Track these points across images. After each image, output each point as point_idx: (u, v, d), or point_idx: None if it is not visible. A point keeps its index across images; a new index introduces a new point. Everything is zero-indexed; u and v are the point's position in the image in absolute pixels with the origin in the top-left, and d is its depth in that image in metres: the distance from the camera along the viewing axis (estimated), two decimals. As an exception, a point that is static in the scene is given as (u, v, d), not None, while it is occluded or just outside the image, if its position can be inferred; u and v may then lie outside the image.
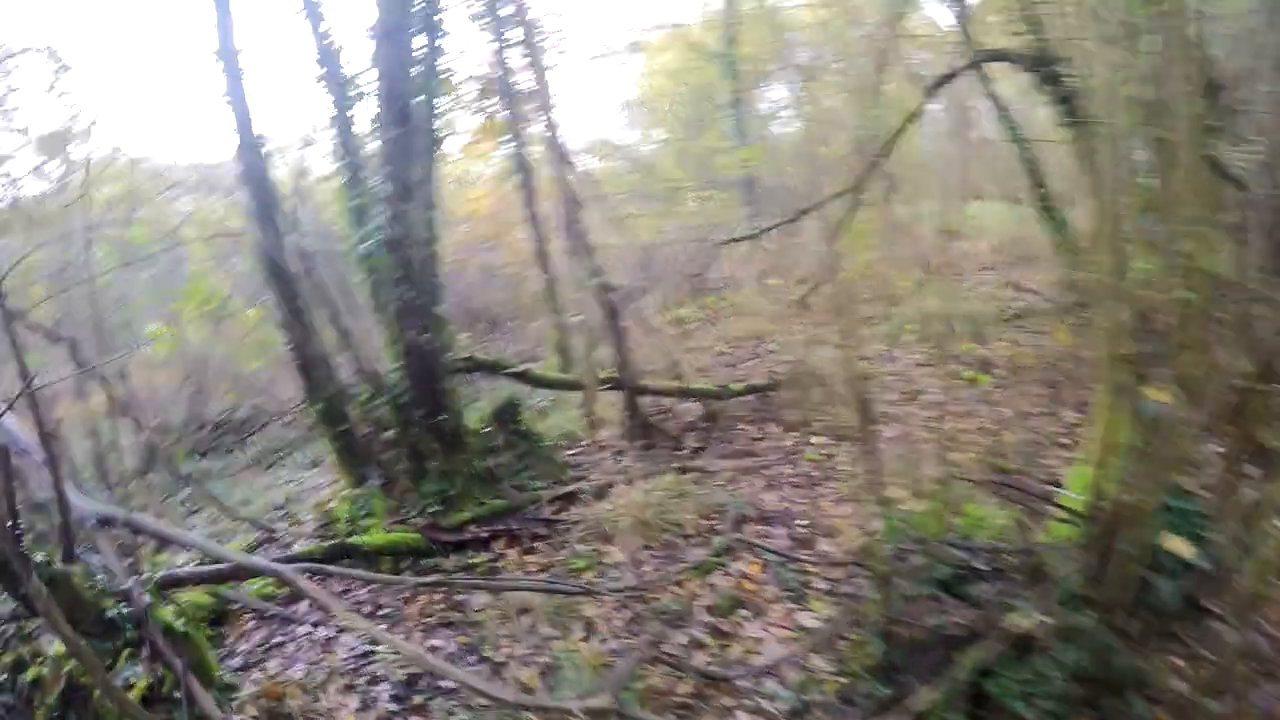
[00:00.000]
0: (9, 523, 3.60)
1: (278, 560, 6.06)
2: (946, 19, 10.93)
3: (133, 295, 12.87)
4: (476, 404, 7.51)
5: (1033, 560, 3.83)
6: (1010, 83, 11.07)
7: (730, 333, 10.96)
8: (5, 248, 12.24)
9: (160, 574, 5.26)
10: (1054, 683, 3.34)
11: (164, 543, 6.84)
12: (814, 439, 7.53)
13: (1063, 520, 4.15)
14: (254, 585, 6.18)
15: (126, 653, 4.34)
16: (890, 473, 4.89)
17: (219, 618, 5.89)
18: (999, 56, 9.85)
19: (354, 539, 6.34)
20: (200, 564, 6.10)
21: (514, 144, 10.78)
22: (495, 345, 13.01)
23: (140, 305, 13.02)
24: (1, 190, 11.37)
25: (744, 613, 5.04)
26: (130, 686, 4.16)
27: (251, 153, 7.07)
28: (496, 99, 10.68)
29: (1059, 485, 5.28)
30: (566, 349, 10.56)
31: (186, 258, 11.84)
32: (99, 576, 4.69)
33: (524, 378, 7.42)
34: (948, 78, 10.31)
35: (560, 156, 7.25)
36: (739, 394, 8.15)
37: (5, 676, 4.40)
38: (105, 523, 4.37)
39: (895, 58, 12.64)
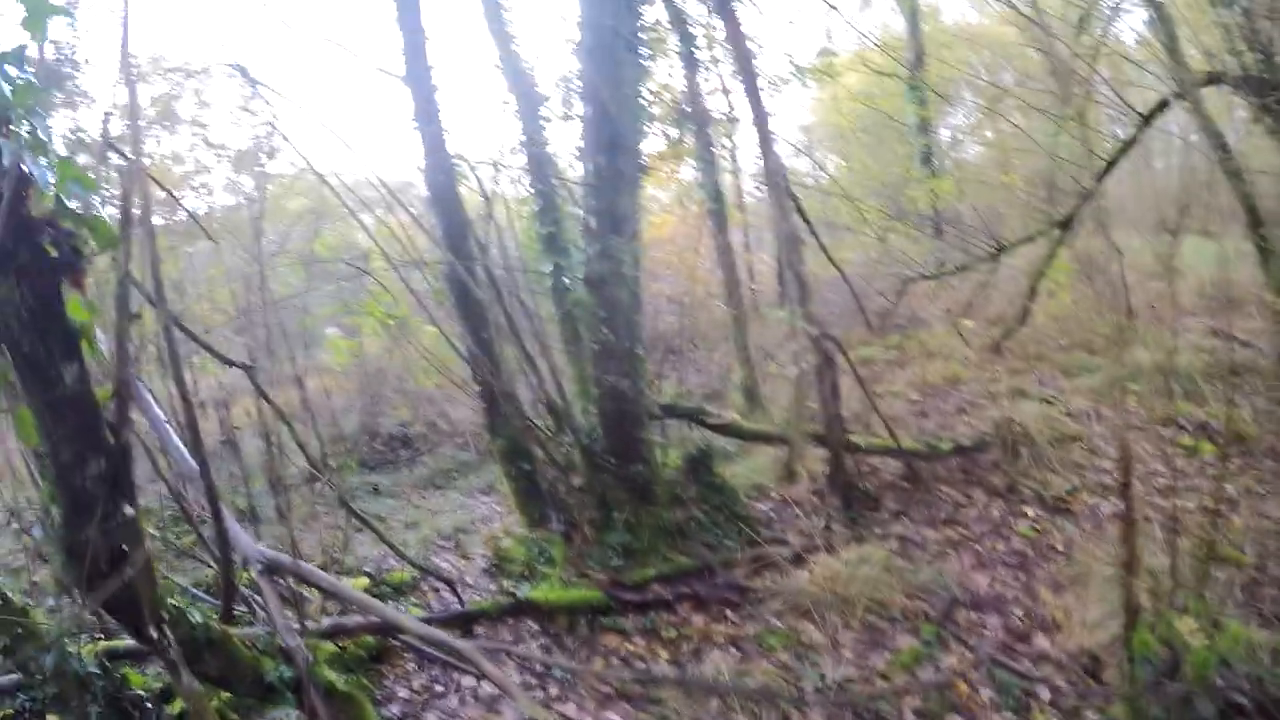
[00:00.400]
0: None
1: (447, 615, 6.06)
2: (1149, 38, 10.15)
3: (315, 309, 13.38)
4: (662, 445, 7.31)
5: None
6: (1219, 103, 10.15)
7: (920, 377, 10.44)
8: (197, 254, 13.12)
9: (326, 624, 5.16)
10: None
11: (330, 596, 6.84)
12: (1025, 509, 7.05)
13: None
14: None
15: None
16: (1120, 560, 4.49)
17: (378, 654, 5.69)
18: (1218, 79, 9.05)
19: (532, 593, 6.14)
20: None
21: (703, 169, 10.62)
22: (674, 376, 12.91)
23: (322, 316, 13.57)
24: (198, 200, 12.14)
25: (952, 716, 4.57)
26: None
27: (441, 174, 7.00)
28: (683, 120, 10.60)
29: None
30: (754, 389, 10.33)
31: (370, 275, 12.21)
32: (258, 630, 4.54)
33: (727, 431, 7.18)
34: (1164, 105, 9.54)
35: (778, 186, 6.87)
36: (946, 454, 7.67)
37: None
38: (272, 570, 4.25)
39: (1095, 80, 11.91)
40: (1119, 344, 10.50)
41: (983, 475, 7.59)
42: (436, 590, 6.86)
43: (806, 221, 10.11)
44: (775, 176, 6.80)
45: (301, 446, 6.11)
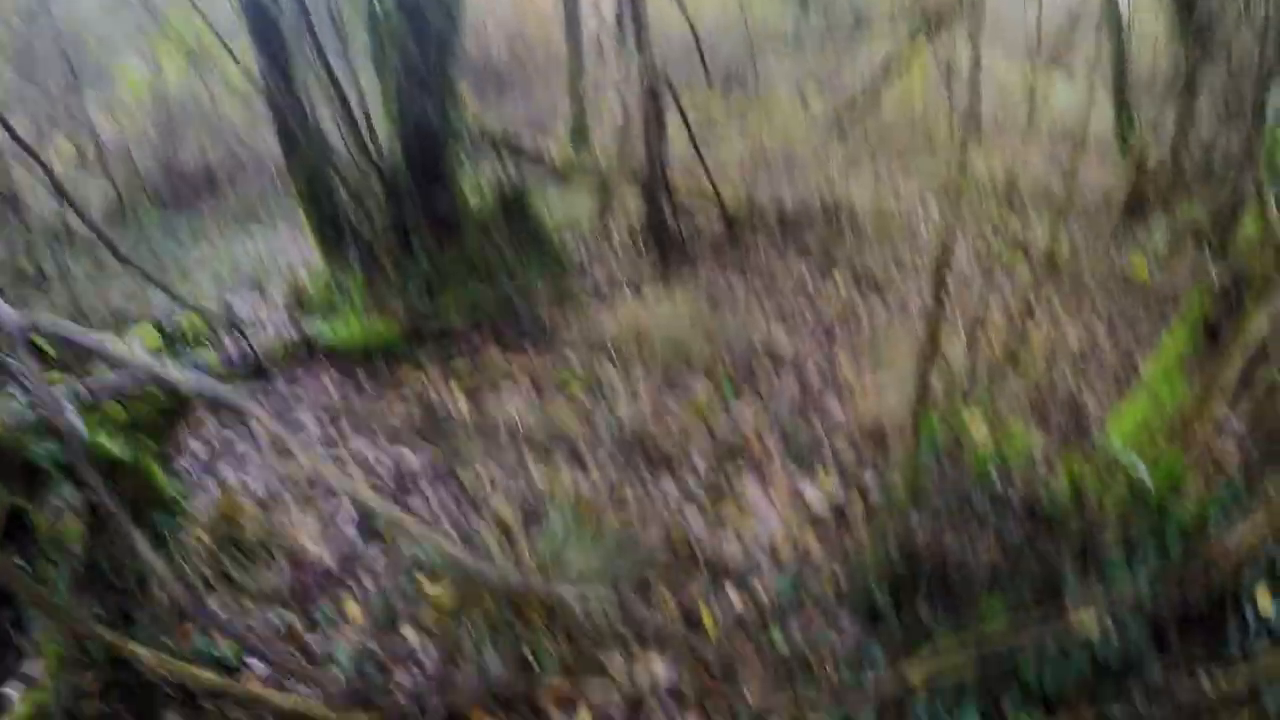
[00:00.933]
0: None
1: (239, 363, 5.60)
2: None
3: (112, 38, 11.63)
4: (473, 178, 6.70)
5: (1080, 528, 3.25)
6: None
7: (757, 143, 10.04)
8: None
9: (99, 387, 4.10)
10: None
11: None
12: (838, 280, 6.96)
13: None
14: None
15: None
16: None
17: (172, 411, 4.88)
18: None
19: (327, 333, 5.74)
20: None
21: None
22: (504, 112, 11.98)
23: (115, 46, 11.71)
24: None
25: (741, 467, 4.54)
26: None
27: None
28: None
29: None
30: (582, 128, 9.65)
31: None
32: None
33: (542, 163, 6.57)
34: None
35: None
36: (767, 215, 7.43)
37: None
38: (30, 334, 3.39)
39: None
40: (962, 149, 10.46)
41: (803, 242, 7.46)
42: (233, 335, 6.26)
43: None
44: None
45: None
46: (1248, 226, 4.32)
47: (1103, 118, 10.14)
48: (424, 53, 5.57)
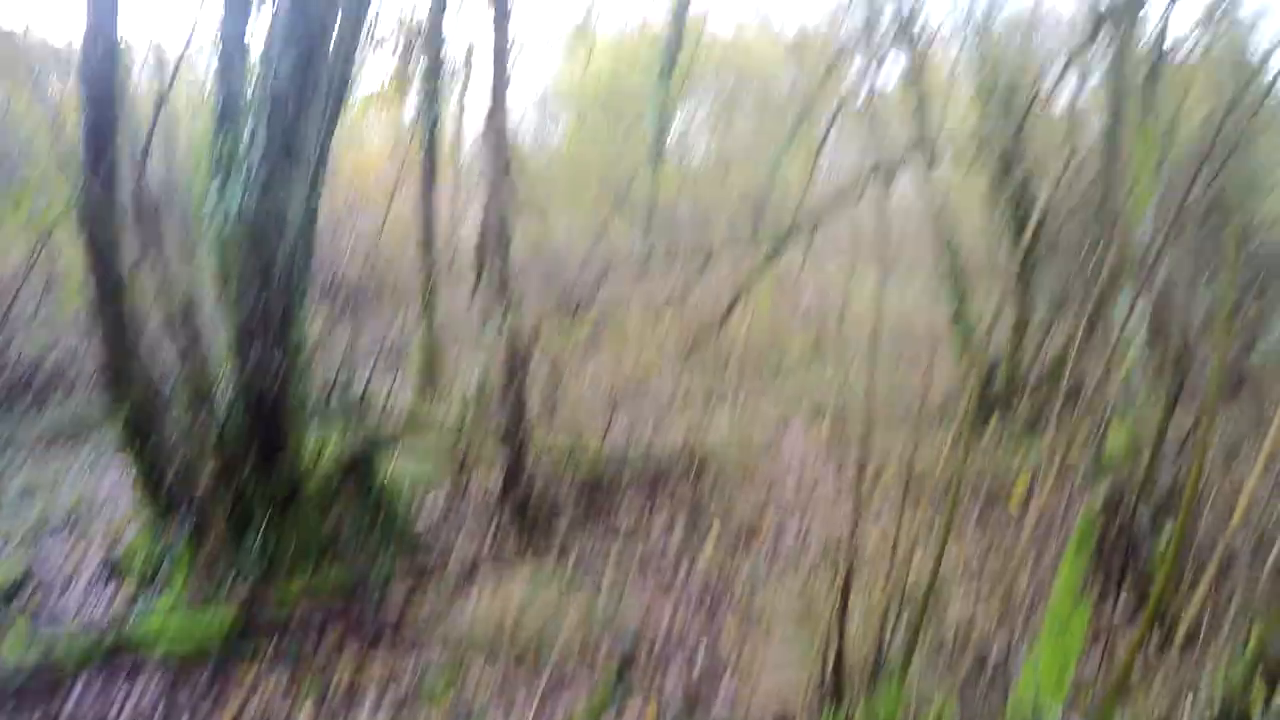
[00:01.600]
0: None
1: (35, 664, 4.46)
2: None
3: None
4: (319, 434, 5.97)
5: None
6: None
7: (615, 368, 9.86)
8: None
9: None
10: None
11: None
12: (711, 529, 6.62)
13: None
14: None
15: None
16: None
17: None
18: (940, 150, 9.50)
19: (145, 623, 4.80)
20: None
21: (426, 104, 9.31)
22: (353, 329, 11.45)
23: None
24: None
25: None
26: None
27: (100, 48, 4.95)
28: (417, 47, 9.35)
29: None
30: (436, 358, 9.22)
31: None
32: None
33: (393, 440, 5.96)
34: (894, 167, 9.71)
35: (498, 139, 5.65)
36: (633, 465, 7.14)
37: None
38: None
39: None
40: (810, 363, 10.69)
41: (669, 488, 7.18)
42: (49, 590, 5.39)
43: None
44: (495, 123, 5.59)
45: None
46: (1116, 439, 4.32)
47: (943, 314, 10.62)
48: (266, 284, 4.93)
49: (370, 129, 12.56)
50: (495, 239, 5.75)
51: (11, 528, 6.29)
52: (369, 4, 5.61)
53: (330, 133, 5.37)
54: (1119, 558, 5.07)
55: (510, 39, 5.44)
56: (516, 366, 5.85)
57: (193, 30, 5.13)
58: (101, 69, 4.99)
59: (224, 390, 5.21)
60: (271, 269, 4.90)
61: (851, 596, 4.17)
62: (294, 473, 5.26)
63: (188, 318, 5.32)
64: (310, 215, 5.19)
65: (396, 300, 12.26)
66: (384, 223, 10.27)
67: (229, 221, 4.95)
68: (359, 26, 5.49)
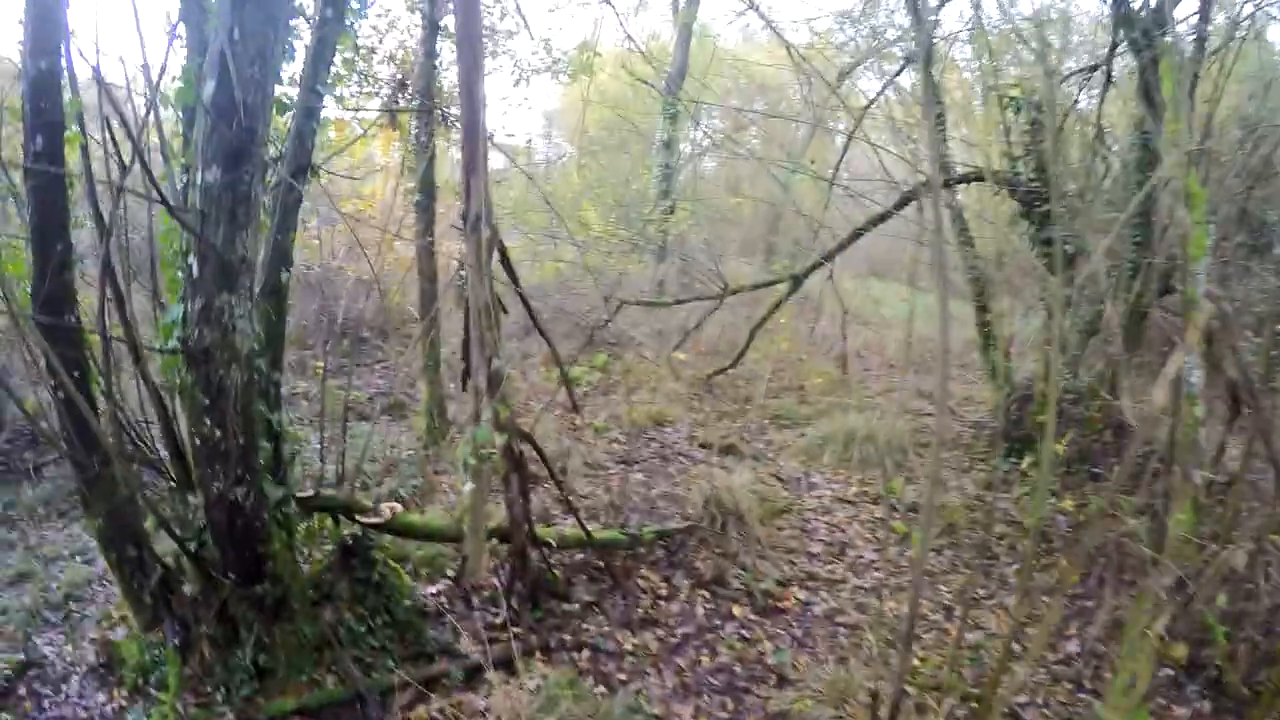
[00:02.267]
0: None
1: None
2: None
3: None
4: (301, 544, 5.53)
5: None
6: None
7: (626, 415, 9.42)
8: None
9: None
10: None
11: None
12: (734, 607, 6.17)
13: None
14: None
15: None
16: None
17: None
18: (977, 178, 9.04)
19: None
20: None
21: (417, 152, 8.93)
22: (357, 373, 11.12)
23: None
24: None
25: None
26: None
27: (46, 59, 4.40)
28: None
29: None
30: (441, 409, 8.84)
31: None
32: None
33: (389, 528, 5.53)
34: (908, 199, 9.22)
35: (476, 222, 5.03)
36: (647, 540, 6.73)
37: None
38: None
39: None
40: (829, 401, 10.20)
41: (687, 559, 6.73)
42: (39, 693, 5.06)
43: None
44: (475, 160, 4.92)
45: None
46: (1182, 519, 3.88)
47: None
48: (219, 421, 4.31)
49: (365, 170, 12.18)
50: (478, 342, 5.12)
51: (4, 620, 5.96)
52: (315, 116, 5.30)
53: (288, 232, 5.13)
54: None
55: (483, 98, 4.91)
56: (514, 477, 5.43)
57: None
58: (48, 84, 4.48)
59: (194, 514, 4.81)
60: (222, 402, 4.28)
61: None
62: (281, 577, 4.83)
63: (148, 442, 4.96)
64: (262, 341, 4.79)
65: (400, 344, 11.94)
66: (381, 266, 9.84)
67: (178, 354, 4.37)
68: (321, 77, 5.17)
